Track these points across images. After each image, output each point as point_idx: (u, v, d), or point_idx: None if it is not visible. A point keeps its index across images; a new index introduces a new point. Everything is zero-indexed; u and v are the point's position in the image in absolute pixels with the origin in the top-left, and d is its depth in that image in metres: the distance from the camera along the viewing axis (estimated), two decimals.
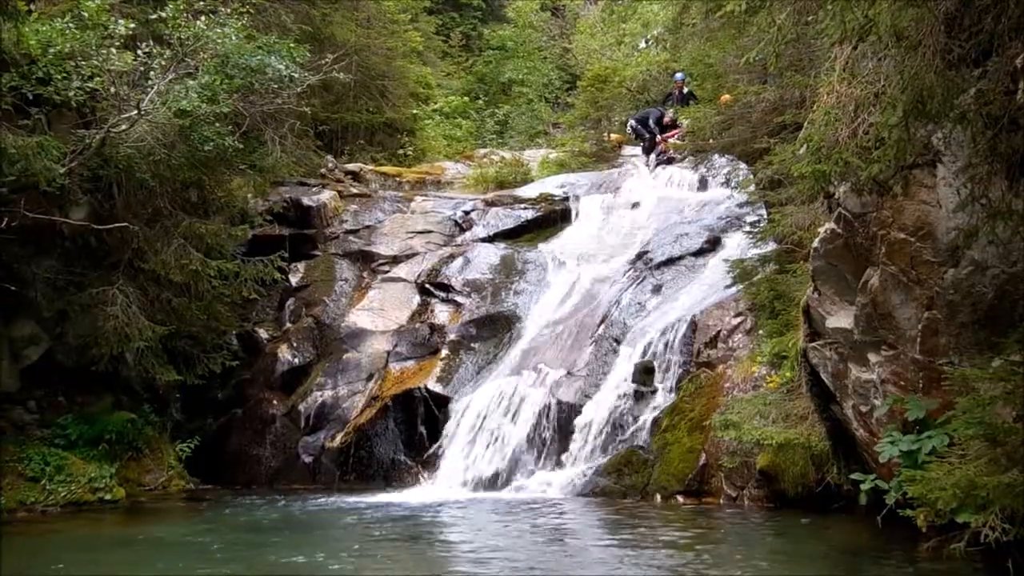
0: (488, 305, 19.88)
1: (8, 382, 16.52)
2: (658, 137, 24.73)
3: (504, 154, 28.74)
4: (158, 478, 17.28)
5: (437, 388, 18.32)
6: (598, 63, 32.17)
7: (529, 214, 22.54)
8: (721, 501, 14.63)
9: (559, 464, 16.29)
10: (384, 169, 26.16)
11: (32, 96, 15.39)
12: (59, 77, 15.46)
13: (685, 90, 24.45)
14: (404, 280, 20.97)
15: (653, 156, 24.65)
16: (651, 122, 25.41)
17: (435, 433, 17.77)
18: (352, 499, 15.88)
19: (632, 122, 26.20)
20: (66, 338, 16.95)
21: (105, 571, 11.13)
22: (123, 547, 12.68)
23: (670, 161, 23.76)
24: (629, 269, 19.73)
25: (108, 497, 16.08)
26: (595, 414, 16.41)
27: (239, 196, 19.69)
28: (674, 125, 25.11)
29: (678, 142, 23.12)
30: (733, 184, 20.35)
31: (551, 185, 24.36)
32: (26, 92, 15.32)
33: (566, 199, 23.16)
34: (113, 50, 15.75)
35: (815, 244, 11.38)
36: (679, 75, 24.78)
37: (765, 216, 16.60)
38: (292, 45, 18.66)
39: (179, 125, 16.28)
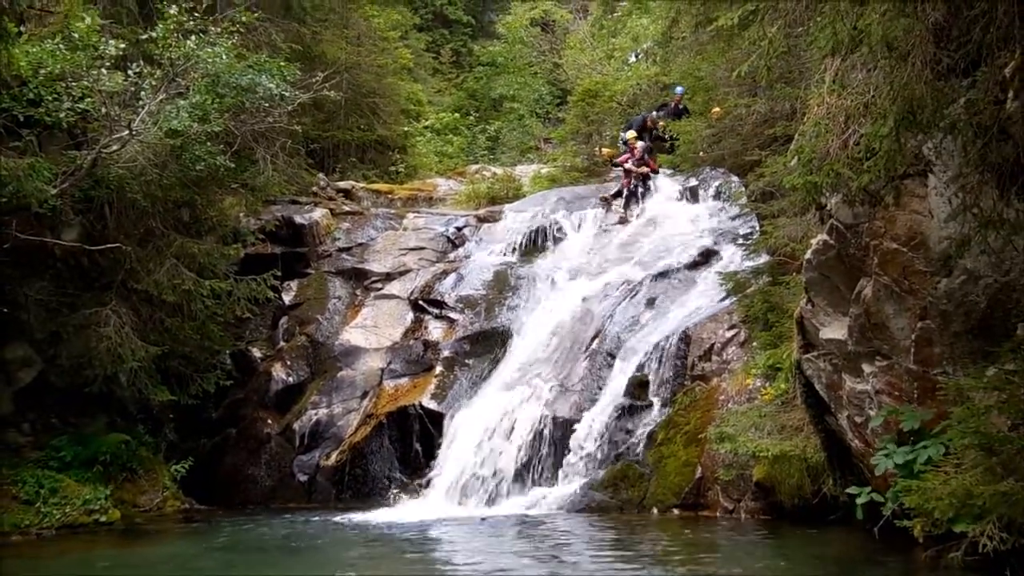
0: (482, 321, 19.85)
1: (1, 404, 16.46)
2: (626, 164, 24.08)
3: (496, 170, 28.76)
4: (153, 499, 17.21)
5: (432, 405, 18.29)
6: (588, 78, 32.17)
7: (521, 229, 22.53)
8: (718, 514, 14.61)
9: (554, 479, 16.26)
10: (376, 186, 26.17)
11: (23, 118, 15.41)
12: (50, 98, 15.46)
13: (681, 104, 24.45)
14: (397, 297, 20.96)
15: (620, 197, 23.80)
16: (635, 130, 25.35)
17: (430, 450, 17.76)
18: (348, 517, 15.82)
19: (622, 135, 26.20)
20: (59, 360, 16.90)
21: None
22: (119, 569, 12.62)
23: (633, 195, 23.15)
24: (622, 283, 19.71)
25: (103, 519, 16.00)
26: (590, 429, 16.38)
27: (231, 215, 19.69)
28: (656, 133, 25.02)
29: (633, 167, 22.84)
30: (724, 197, 20.41)
31: (542, 200, 24.35)
32: (17, 114, 15.33)
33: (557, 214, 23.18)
34: (104, 71, 15.75)
35: (808, 255, 11.39)
36: (679, 89, 24.76)
37: (757, 228, 16.62)
38: (282, 64, 18.68)
39: (170, 145, 16.30)
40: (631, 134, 23.95)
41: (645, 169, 22.97)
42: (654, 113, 26.02)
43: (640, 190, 22.72)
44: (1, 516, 15.20)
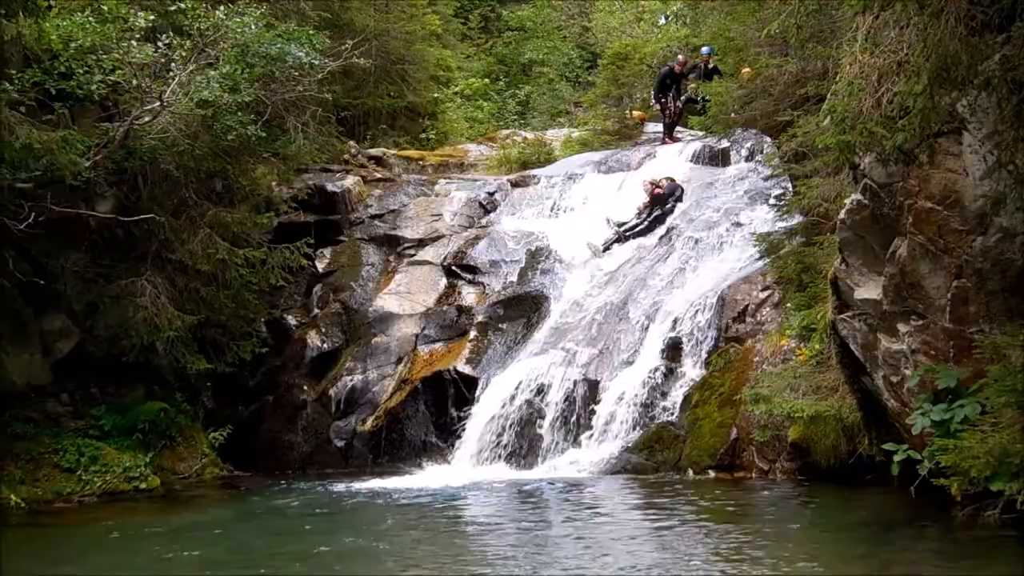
0: (515, 286, 19.87)
1: (41, 375, 16.66)
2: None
3: (526, 134, 28.67)
4: (192, 466, 17.40)
5: (467, 370, 18.35)
6: (618, 41, 31.98)
7: (554, 193, 22.46)
8: (753, 475, 14.65)
9: (590, 442, 16.29)
10: (407, 153, 26.15)
11: (55, 91, 15.49)
12: (81, 71, 15.54)
13: (710, 65, 24.26)
14: (430, 263, 20.97)
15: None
16: (666, 81, 25.08)
17: (466, 414, 17.80)
18: (385, 482, 15.91)
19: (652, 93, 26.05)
20: (96, 330, 17.06)
21: (146, 559, 11.21)
22: (161, 535, 12.77)
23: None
24: (655, 245, 19.69)
25: (143, 486, 16.22)
26: (625, 391, 16.41)
27: (263, 184, 19.73)
28: (688, 95, 24.72)
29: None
30: (757, 158, 20.28)
31: (574, 164, 24.28)
32: (49, 87, 15.42)
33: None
34: (134, 43, 15.81)
35: (841, 215, 11.33)
36: (705, 49, 24.54)
37: (790, 189, 16.55)
38: (311, 32, 18.65)
39: (201, 115, 16.34)
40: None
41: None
42: (679, 56, 25.85)
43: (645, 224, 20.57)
44: (44, 484, 15.46)
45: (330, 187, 22.11)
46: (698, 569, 9.33)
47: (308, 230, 20.45)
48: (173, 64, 16.19)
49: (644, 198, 20.92)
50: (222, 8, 16.53)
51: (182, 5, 16.33)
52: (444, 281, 20.61)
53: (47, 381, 16.78)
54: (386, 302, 20.28)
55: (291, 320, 20.38)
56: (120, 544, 12.40)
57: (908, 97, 8.68)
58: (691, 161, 22.77)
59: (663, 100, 25.10)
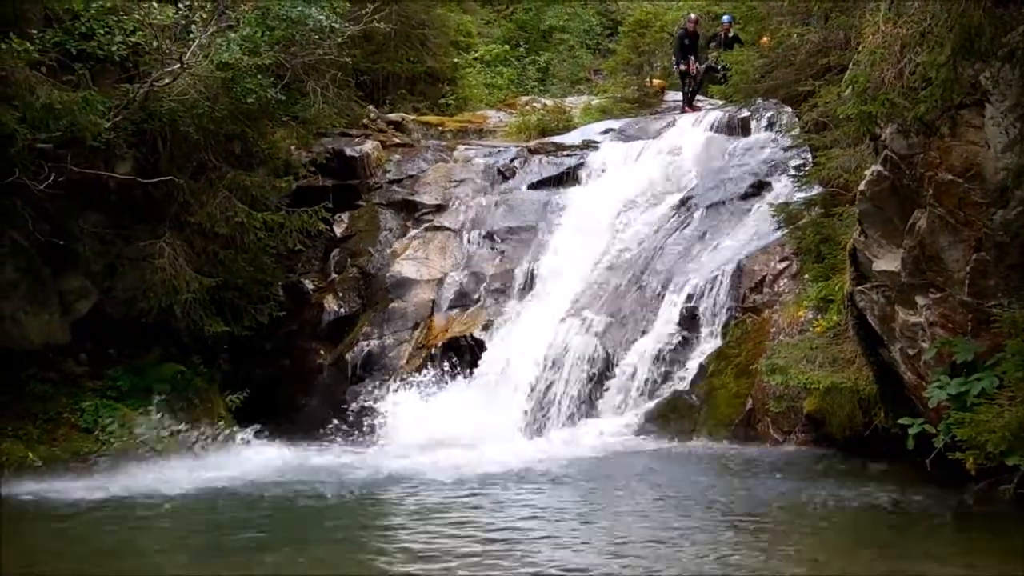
0: (532, 252, 19.84)
1: (59, 335, 16.68)
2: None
3: (546, 101, 28.56)
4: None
5: (483, 336, 18.37)
6: (639, 8, 31.86)
7: (572, 161, 22.40)
8: (768, 446, 14.65)
9: (604, 411, 16.31)
10: (426, 118, 26.09)
11: (76, 51, 15.46)
12: (102, 32, 15.51)
13: (731, 33, 24.14)
14: (448, 229, 20.95)
15: None
16: (684, 43, 25.03)
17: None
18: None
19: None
20: (114, 291, 17.11)
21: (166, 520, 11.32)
22: (179, 496, 12.86)
23: None
24: (673, 214, 19.63)
25: (160, 447, 16.27)
26: (640, 360, 16.42)
27: (282, 148, 19.71)
28: (709, 64, 24.60)
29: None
30: (777, 128, 20.21)
31: (593, 132, 24.21)
32: (70, 47, 15.39)
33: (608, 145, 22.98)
34: (154, 4, 15.78)
35: (861, 187, 11.30)
36: (726, 18, 24.48)
37: (810, 159, 16.49)
38: None
39: (221, 78, 16.31)
40: None
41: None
42: (691, 15, 25.81)
43: None
44: (62, 443, 15.56)
45: (349, 151, 22.08)
46: (707, 532, 9.38)
47: (326, 194, 20.42)
48: (193, 26, 16.17)
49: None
50: None
51: None
52: (461, 247, 20.60)
53: (65, 341, 16.81)
54: (403, 268, 20.28)
55: (308, 284, 20.38)
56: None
57: (931, 68, 8.64)
58: (710, 130, 22.68)
59: (684, 65, 25.04)
